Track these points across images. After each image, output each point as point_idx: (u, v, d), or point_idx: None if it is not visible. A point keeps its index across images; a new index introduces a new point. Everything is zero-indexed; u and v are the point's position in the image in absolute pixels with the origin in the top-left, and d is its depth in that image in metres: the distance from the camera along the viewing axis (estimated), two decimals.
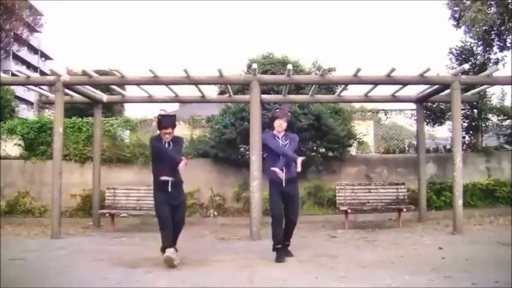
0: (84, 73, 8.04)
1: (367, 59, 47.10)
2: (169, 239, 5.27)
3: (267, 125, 6.01)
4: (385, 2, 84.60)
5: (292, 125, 9.94)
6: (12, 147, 11.47)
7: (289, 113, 6.00)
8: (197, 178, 10.13)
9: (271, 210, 5.72)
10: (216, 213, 10.20)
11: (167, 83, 8.30)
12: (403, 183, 9.04)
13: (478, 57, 11.40)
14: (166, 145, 5.39)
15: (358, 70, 7.67)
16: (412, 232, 7.79)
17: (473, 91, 9.40)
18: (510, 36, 11.16)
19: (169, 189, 5.34)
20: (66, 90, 8.45)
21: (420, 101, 9.53)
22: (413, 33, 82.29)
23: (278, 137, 5.60)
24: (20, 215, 10.18)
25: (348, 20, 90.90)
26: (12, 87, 14.26)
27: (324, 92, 10.41)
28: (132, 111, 20.10)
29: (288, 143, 5.57)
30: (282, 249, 5.56)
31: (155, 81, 8.00)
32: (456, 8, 11.31)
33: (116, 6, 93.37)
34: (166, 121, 5.42)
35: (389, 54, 73.91)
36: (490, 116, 11.48)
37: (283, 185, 5.48)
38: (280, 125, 5.59)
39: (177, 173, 5.41)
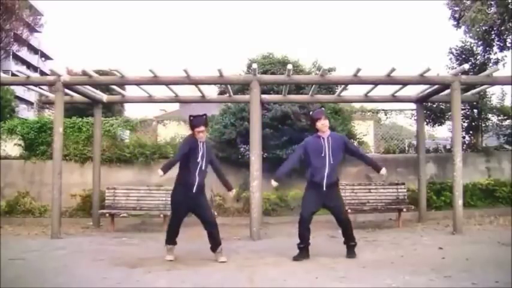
0: (84, 73, 8.03)
1: (367, 59, 47.17)
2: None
3: (310, 127, 5.98)
4: (385, 2, 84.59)
5: (292, 125, 9.98)
6: (12, 147, 11.48)
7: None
8: None
9: (302, 209, 5.62)
10: (216, 213, 10.17)
11: (167, 83, 8.30)
12: (403, 183, 9.04)
13: (478, 57, 11.40)
14: (200, 145, 5.43)
15: (358, 70, 7.67)
16: (412, 232, 7.79)
17: (473, 91, 9.40)
18: (510, 36, 11.16)
19: (194, 190, 5.40)
20: (66, 90, 8.45)
21: (420, 101, 9.52)
22: (413, 33, 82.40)
23: (323, 139, 5.53)
24: (20, 215, 10.17)
25: (348, 20, 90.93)
26: (12, 87, 14.28)
27: (324, 92, 10.41)
28: (132, 111, 20.13)
29: (333, 146, 5.51)
30: (303, 249, 5.54)
31: (155, 81, 8.00)
32: (456, 8, 11.31)
33: (116, 6, 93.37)
34: (198, 120, 5.48)
35: (389, 54, 73.97)
36: (490, 116, 11.48)
37: (324, 188, 5.47)
38: (323, 124, 5.55)
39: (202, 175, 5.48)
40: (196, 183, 5.39)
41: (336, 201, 5.62)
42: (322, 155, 5.46)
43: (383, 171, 5.77)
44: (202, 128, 5.43)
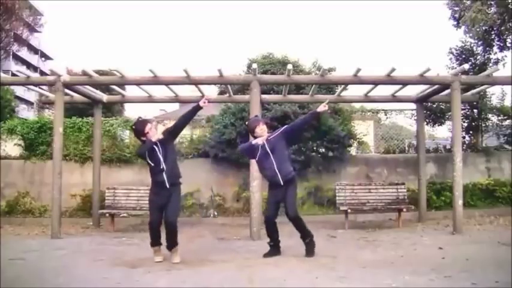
0: (84, 73, 8.04)
1: (367, 59, 47.15)
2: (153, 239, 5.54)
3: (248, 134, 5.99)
4: (385, 2, 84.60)
5: None
6: (12, 147, 11.46)
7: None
8: (197, 178, 10.14)
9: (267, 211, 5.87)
10: (216, 213, 10.20)
11: (167, 83, 8.30)
12: (403, 183, 9.03)
13: (478, 57, 11.39)
14: (155, 145, 5.41)
15: (358, 70, 7.67)
16: (412, 232, 7.79)
17: (473, 91, 9.39)
18: (510, 36, 11.16)
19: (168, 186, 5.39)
20: (66, 90, 8.45)
21: (420, 101, 9.53)
22: (413, 33, 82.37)
23: (263, 143, 5.58)
24: (20, 215, 10.18)
25: (348, 20, 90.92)
26: (12, 87, 14.26)
27: (324, 92, 10.41)
28: (132, 111, 20.12)
29: (274, 145, 5.57)
30: (272, 247, 5.73)
31: (155, 81, 8.00)
32: (456, 8, 11.30)
33: (116, 6, 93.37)
34: (141, 122, 5.55)
35: (389, 54, 73.97)
36: (490, 116, 11.47)
37: (282, 184, 5.56)
38: (262, 129, 5.64)
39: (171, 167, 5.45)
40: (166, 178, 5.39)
41: (287, 197, 5.62)
42: (269, 158, 5.52)
43: (321, 107, 5.69)
44: (150, 126, 5.46)
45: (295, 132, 5.90)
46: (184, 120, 5.64)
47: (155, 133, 5.51)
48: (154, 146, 5.38)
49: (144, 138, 5.47)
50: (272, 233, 5.73)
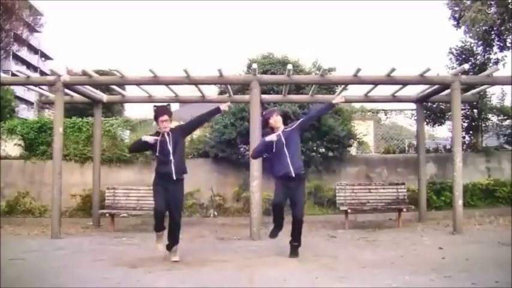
0: (84, 73, 8.04)
1: (367, 59, 47.15)
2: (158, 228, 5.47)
3: (263, 129, 5.91)
4: (385, 2, 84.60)
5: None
6: (12, 147, 11.47)
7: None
8: (197, 178, 10.12)
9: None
10: (216, 213, 10.20)
11: (167, 83, 8.30)
12: (403, 183, 9.03)
13: (478, 57, 11.40)
14: (166, 136, 5.42)
15: (358, 70, 7.67)
16: (412, 232, 7.79)
17: (473, 91, 9.40)
18: (510, 36, 11.16)
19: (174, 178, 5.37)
20: (66, 90, 8.45)
21: (420, 101, 9.53)
22: (413, 33, 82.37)
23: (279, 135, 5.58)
24: (20, 215, 10.18)
25: (348, 20, 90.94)
26: (12, 87, 14.27)
27: (324, 92, 10.41)
28: (132, 111, 20.11)
29: (288, 137, 5.54)
30: (275, 226, 5.65)
31: (155, 81, 8.00)
32: (456, 8, 11.31)
33: (116, 6, 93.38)
34: (161, 109, 5.51)
35: (389, 54, 73.98)
36: (490, 116, 11.48)
37: (293, 177, 5.46)
38: (276, 120, 5.62)
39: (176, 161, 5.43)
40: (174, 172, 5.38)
41: (296, 196, 5.54)
42: (282, 149, 5.51)
43: (337, 99, 5.91)
44: (166, 117, 5.42)
45: (310, 123, 6.01)
46: (199, 120, 5.85)
47: (169, 125, 5.49)
48: (166, 136, 5.41)
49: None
50: (278, 219, 5.56)
